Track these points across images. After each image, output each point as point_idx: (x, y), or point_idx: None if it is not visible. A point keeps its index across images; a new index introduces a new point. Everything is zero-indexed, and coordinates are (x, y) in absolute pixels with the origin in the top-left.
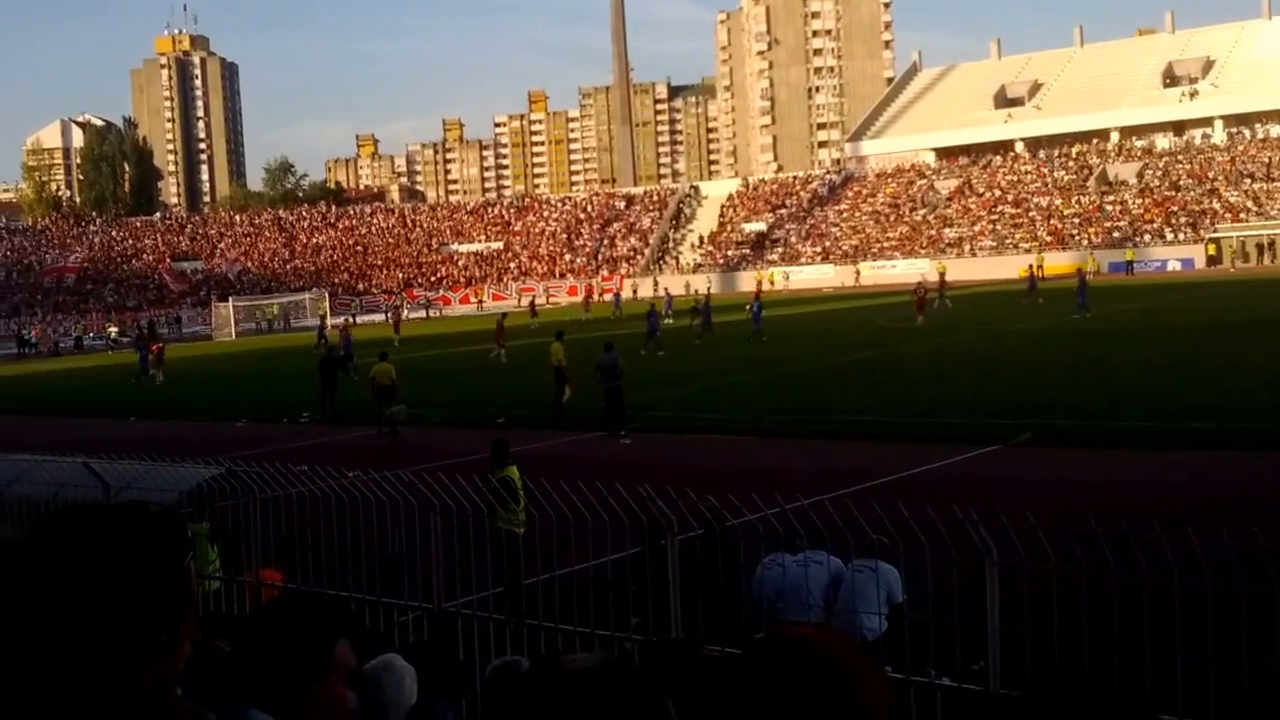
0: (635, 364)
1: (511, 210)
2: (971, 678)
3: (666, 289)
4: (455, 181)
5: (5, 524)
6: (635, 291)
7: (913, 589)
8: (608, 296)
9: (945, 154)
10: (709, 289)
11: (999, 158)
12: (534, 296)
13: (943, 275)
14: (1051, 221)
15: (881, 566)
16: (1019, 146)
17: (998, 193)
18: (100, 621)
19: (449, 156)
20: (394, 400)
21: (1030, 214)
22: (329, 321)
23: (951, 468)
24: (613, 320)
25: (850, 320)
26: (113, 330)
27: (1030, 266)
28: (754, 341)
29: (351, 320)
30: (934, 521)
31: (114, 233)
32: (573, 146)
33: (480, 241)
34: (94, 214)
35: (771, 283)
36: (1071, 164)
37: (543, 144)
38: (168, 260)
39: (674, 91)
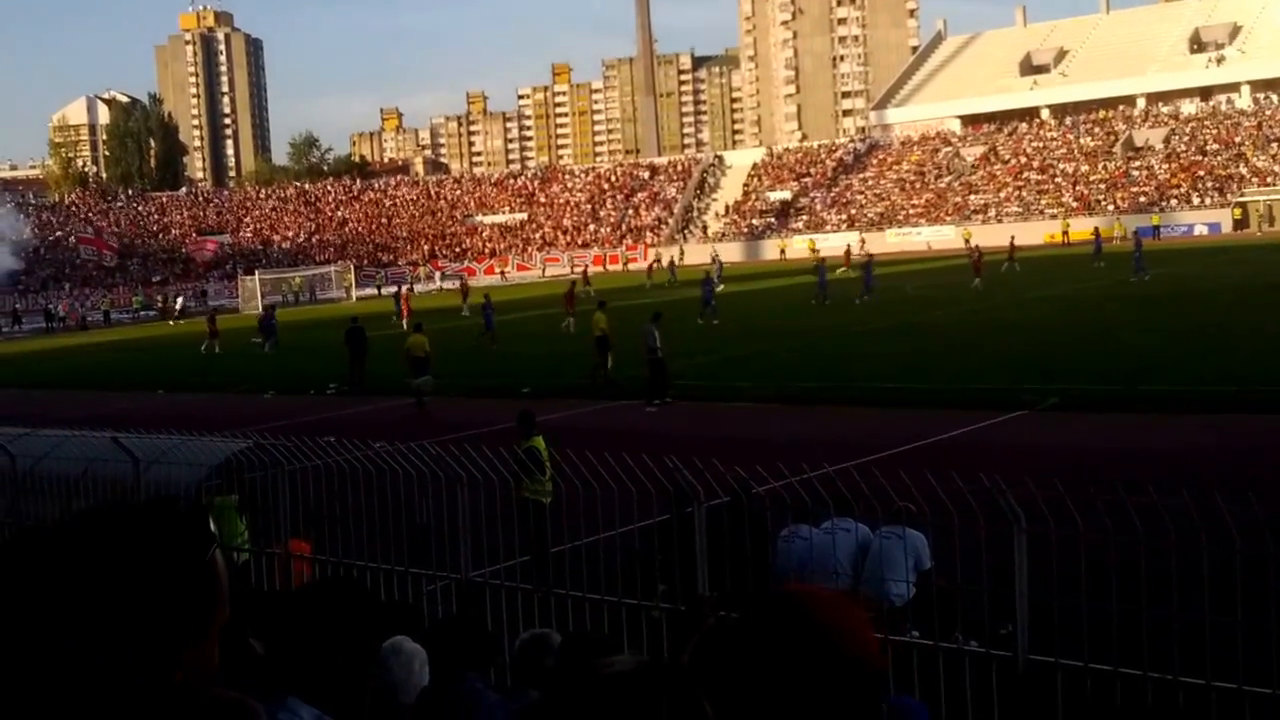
0: (684, 333)
1: (535, 181)
2: (999, 643)
3: (717, 255)
4: (479, 154)
5: (36, 500)
6: (659, 260)
7: (940, 556)
8: (633, 266)
9: (971, 121)
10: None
11: (1025, 125)
12: (586, 264)
13: (1012, 241)
14: (1078, 188)
15: (909, 533)
16: (1045, 113)
17: (1023, 159)
18: (122, 612)
19: (473, 129)
20: (427, 372)
21: (1056, 180)
22: (403, 289)
23: (978, 434)
24: (668, 287)
25: (876, 287)
26: (178, 301)
27: (1095, 229)
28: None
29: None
30: (961, 489)
31: (140, 208)
32: (596, 118)
33: (504, 213)
34: (120, 190)
35: (813, 249)
36: (1097, 130)
37: (566, 115)
38: (194, 235)
39: (698, 62)
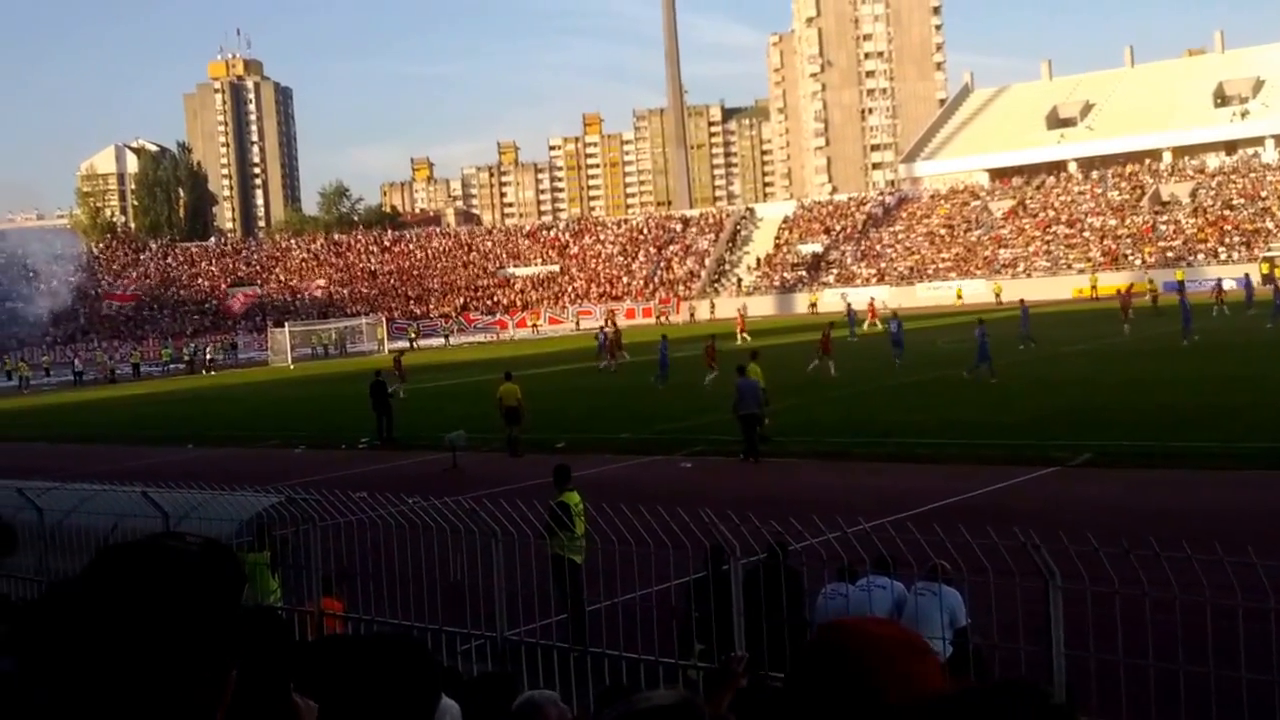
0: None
1: (568, 233)
2: None
3: (849, 304)
4: (511, 205)
5: (64, 555)
6: (693, 314)
7: (976, 613)
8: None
9: (999, 175)
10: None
11: (1052, 178)
12: (743, 310)
13: (1220, 285)
14: (1105, 241)
15: (944, 590)
16: (1072, 166)
17: (1052, 213)
18: (142, 654)
19: (504, 179)
20: (520, 421)
21: (1084, 234)
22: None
23: (1012, 489)
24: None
25: (909, 342)
26: (207, 353)
27: (1245, 276)
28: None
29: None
30: (996, 544)
31: (169, 258)
32: (628, 169)
33: (537, 265)
34: (149, 240)
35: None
36: (1124, 184)
37: (598, 166)
38: (223, 288)
39: (728, 113)
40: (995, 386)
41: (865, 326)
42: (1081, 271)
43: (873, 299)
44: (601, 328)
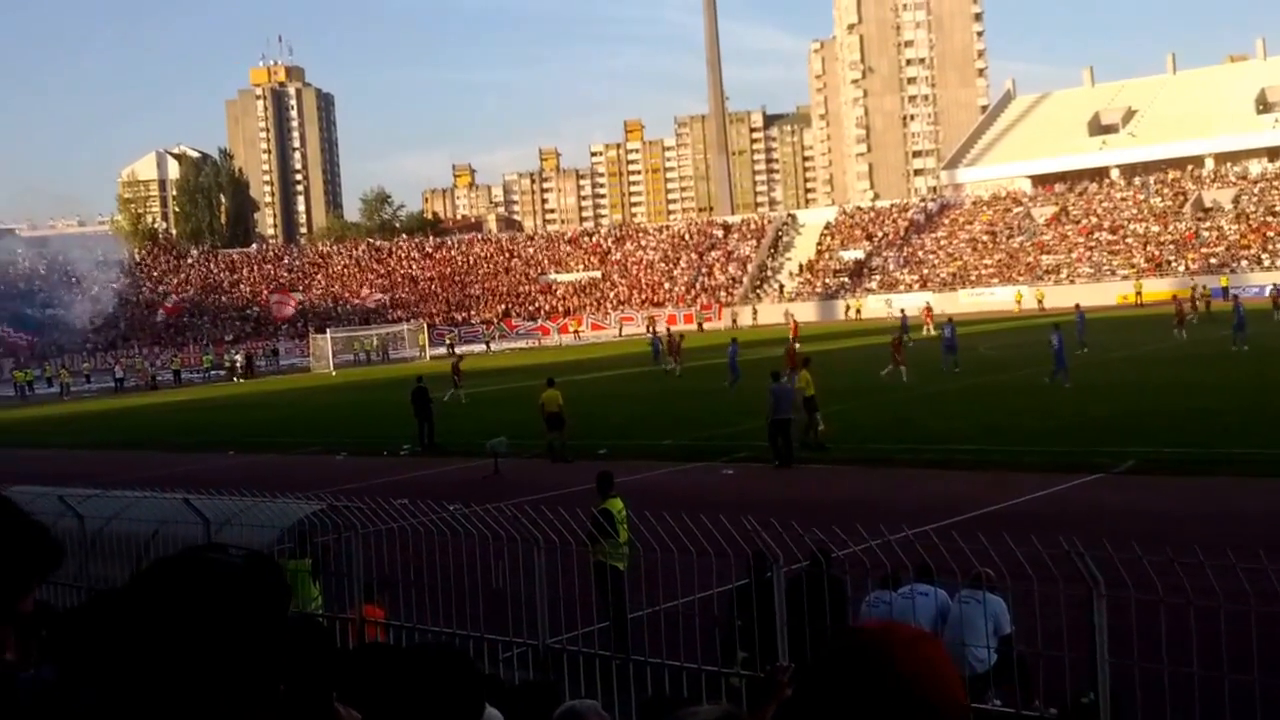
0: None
1: (610, 239)
2: (1081, 711)
3: (903, 310)
4: (552, 211)
5: (105, 562)
6: (735, 319)
7: (1020, 621)
8: (709, 325)
9: (1041, 181)
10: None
11: (1094, 184)
12: (789, 314)
13: (1277, 290)
14: (1148, 248)
15: (988, 598)
16: (1114, 173)
17: (1094, 219)
18: (191, 669)
19: (546, 186)
20: (562, 427)
21: (1127, 240)
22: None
23: (1055, 496)
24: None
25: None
26: (238, 359)
27: None
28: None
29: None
30: (1040, 552)
31: (210, 265)
32: (669, 175)
33: (579, 271)
34: (190, 246)
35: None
36: (1167, 190)
37: (639, 173)
38: (267, 294)
39: (769, 120)
40: (1044, 389)
41: (925, 331)
42: (1125, 278)
43: (929, 304)
44: (655, 334)
